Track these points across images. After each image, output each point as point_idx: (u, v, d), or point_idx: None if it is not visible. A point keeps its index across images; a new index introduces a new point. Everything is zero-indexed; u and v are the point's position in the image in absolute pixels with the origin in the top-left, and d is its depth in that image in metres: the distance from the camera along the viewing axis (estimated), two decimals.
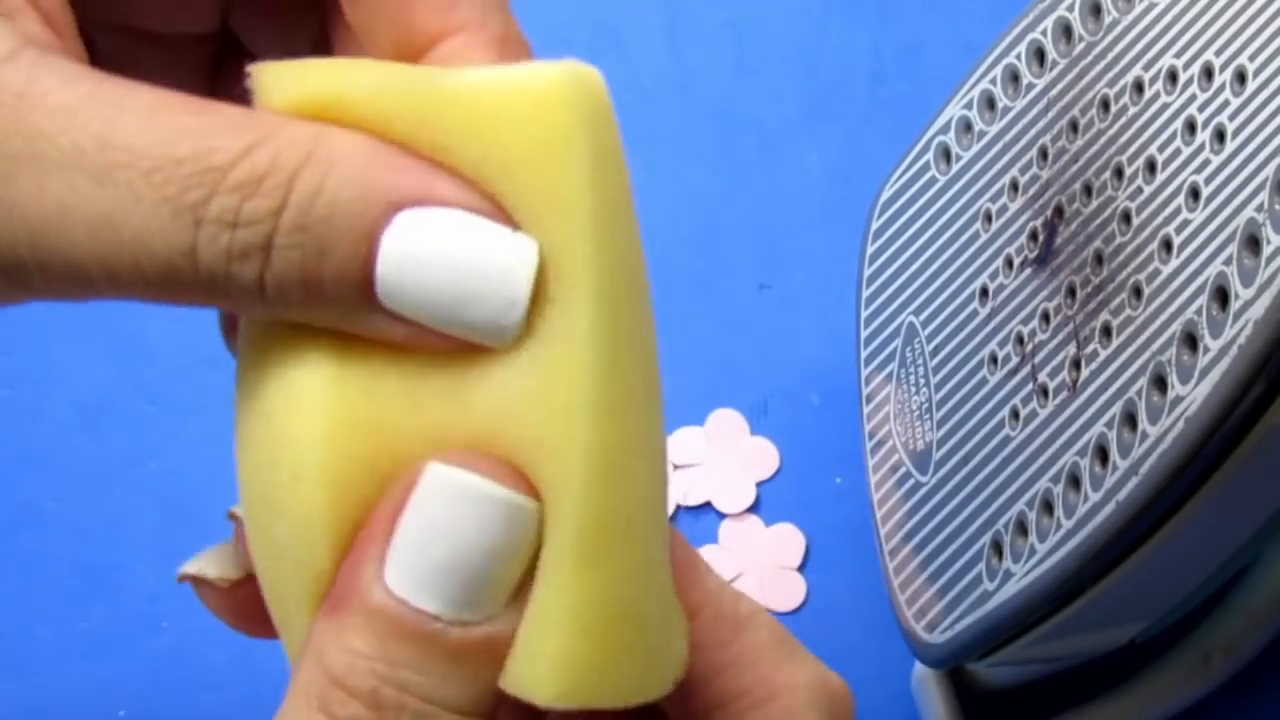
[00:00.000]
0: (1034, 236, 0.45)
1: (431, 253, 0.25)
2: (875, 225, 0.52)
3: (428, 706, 0.25)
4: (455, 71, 0.27)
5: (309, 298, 0.25)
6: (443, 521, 0.25)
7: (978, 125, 0.48)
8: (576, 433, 0.26)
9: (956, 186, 0.49)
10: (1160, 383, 0.39)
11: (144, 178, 0.24)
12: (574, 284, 0.27)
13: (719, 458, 0.56)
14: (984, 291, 0.46)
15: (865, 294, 0.52)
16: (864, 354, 0.52)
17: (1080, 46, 0.45)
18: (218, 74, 0.33)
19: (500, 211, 0.26)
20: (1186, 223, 0.39)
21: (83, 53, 0.27)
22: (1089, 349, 0.41)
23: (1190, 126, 0.40)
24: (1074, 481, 0.41)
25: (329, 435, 0.26)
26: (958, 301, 0.47)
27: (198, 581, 0.31)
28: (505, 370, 0.26)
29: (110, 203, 0.24)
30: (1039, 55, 0.46)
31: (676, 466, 0.56)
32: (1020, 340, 0.44)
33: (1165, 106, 0.41)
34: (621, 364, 0.27)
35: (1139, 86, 0.42)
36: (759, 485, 0.56)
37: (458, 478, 0.25)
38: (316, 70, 0.27)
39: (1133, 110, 0.42)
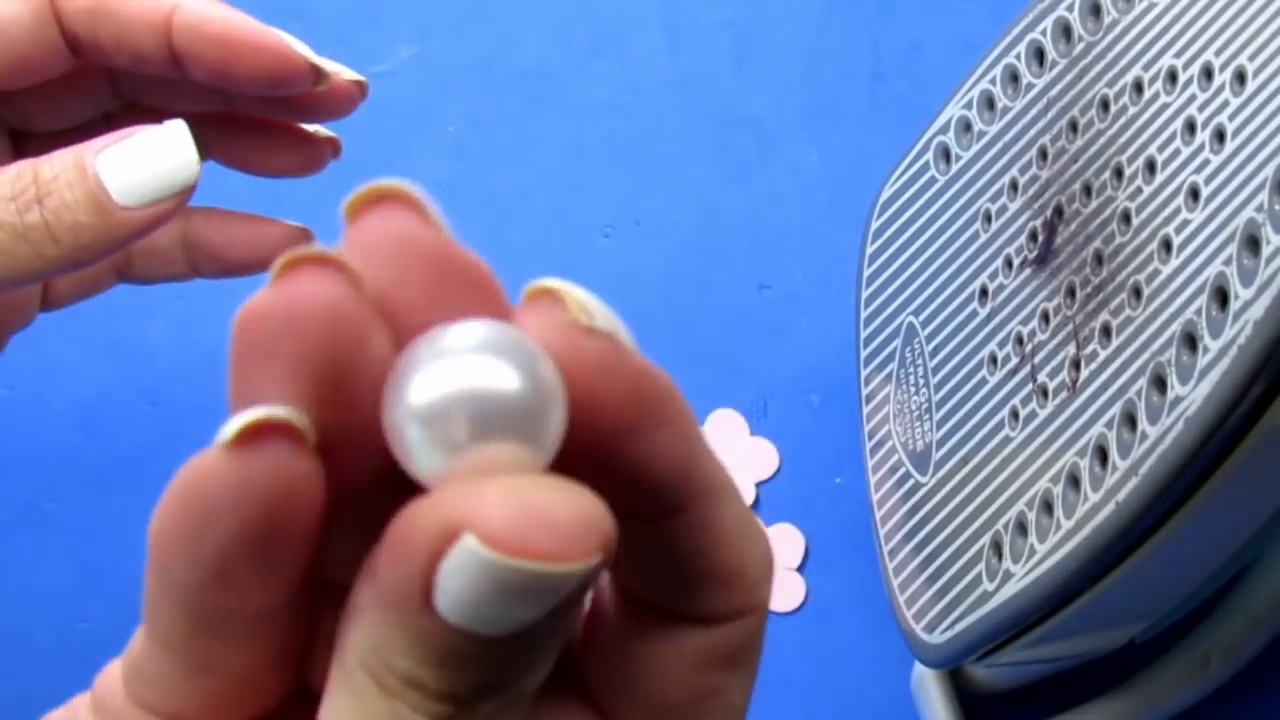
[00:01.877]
0: (1034, 236, 0.45)
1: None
2: (875, 225, 0.52)
3: None
4: None
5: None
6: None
7: (977, 125, 0.48)
8: None
9: (956, 186, 0.49)
10: (1160, 383, 0.39)
11: None
12: None
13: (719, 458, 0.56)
14: (984, 291, 0.46)
15: (865, 294, 0.52)
16: (864, 354, 0.52)
17: (1080, 46, 0.45)
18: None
19: None
20: (1186, 223, 0.39)
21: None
22: (1089, 349, 0.41)
23: (1190, 126, 0.40)
24: (1074, 481, 0.41)
25: None
26: (957, 301, 0.47)
27: None
28: None
29: None
30: (1039, 55, 0.46)
31: None
32: (1020, 340, 0.44)
33: (1165, 106, 0.41)
34: None
35: (1139, 86, 0.42)
36: (759, 485, 0.56)
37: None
38: None
39: (1132, 110, 0.42)
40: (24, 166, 0.38)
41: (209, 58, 0.40)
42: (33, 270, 0.37)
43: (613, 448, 0.23)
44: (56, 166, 0.37)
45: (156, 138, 0.38)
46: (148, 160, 0.38)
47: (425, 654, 0.22)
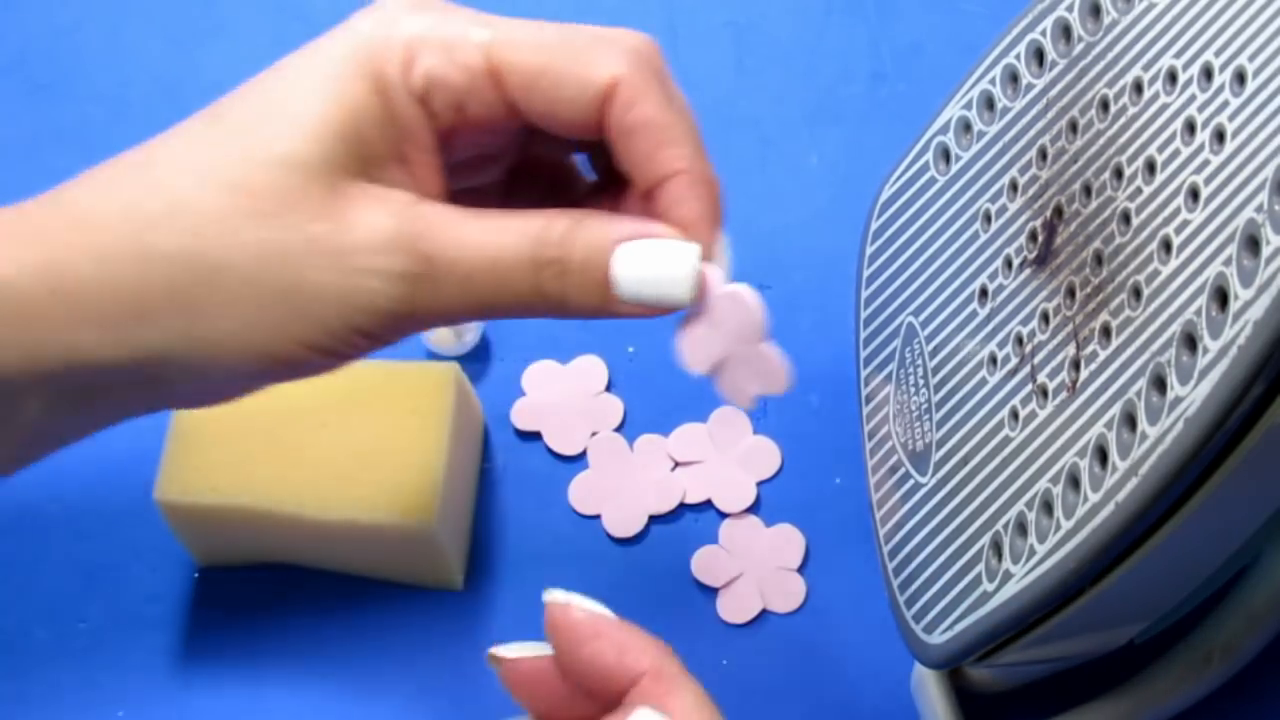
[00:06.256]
0: (1033, 237, 0.45)
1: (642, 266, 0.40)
2: (875, 225, 0.52)
3: None
4: None
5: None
6: None
7: (977, 125, 0.48)
8: None
9: (956, 187, 0.49)
10: (1160, 383, 0.39)
11: None
12: None
13: (720, 457, 0.56)
14: (984, 292, 0.46)
15: (865, 294, 0.52)
16: (863, 354, 0.52)
17: (1080, 47, 0.45)
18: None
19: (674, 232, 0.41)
20: (1186, 223, 0.39)
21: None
22: (1088, 350, 0.41)
23: (1190, 127, 0.40)
24: (1074, 482, 0.41)
25: None
26: (957, 302, 0.47)
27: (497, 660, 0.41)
28: None
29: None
30: (1038, 55, 0.46)
31: (678, 464, 0.56)
32: (1020, 341, 0.44)
33: (1165, 107, 0.41)
34: None
35: (1138, 87, 0.42)
36: (760, 485, 0.56)
37: None
38: None
39: (1132, 110, 0.42)
40: (556, 237, 0.40)
41: (641, 148, 0.41)
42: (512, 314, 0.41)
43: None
44: (583, 248, 0.40)
45: (670, 249, 0.41)
46: (656, 267, 0.41)
47: None
